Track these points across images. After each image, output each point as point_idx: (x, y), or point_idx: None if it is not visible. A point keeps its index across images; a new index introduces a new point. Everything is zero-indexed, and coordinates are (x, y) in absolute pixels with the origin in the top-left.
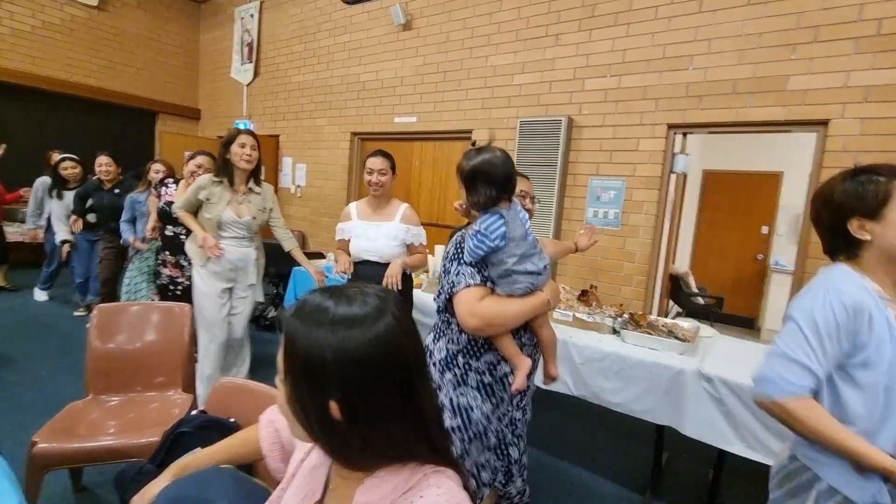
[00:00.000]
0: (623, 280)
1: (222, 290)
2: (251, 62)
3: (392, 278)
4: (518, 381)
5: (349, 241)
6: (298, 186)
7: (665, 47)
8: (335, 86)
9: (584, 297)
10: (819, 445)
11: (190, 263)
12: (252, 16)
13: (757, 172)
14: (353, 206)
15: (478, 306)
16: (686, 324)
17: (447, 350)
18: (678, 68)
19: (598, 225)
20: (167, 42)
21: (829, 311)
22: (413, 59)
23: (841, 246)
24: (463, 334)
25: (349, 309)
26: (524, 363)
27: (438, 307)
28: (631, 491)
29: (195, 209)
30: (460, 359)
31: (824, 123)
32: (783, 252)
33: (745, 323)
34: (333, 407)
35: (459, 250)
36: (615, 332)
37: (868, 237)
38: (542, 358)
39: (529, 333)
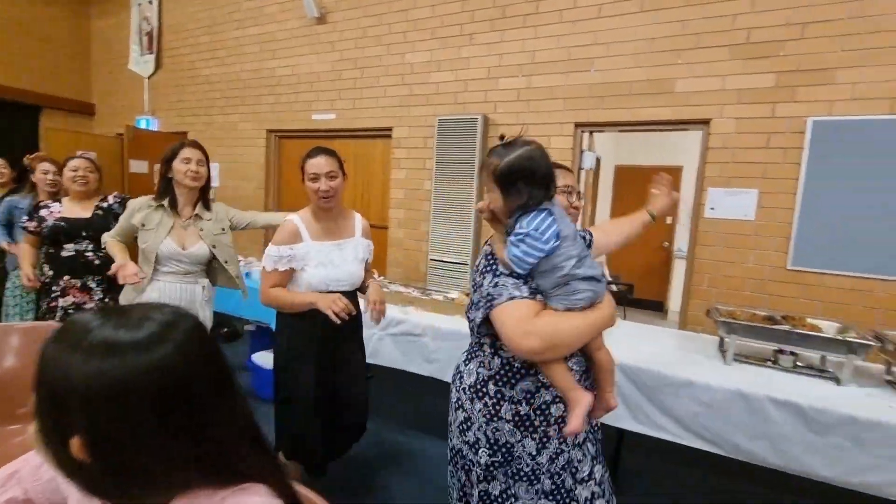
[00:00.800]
0: None
1: None
2: (151, 53)
3: (381, 306)
4: (574, 423)
5: (298, 272)
6: (212, 188)
7: (570, 49)
8: (248, 80)
9: None
10: None
11: (100, 284)
12: (150, 2)
13: (661, 167)
14: (296, 220)
15: (534, 323)
16: None
17: (477, 374)
18: (582, 70)
19: None
20: (51, 28)
21: None
22: (329, 55)
23: None
24: (497, 357)
25: (116, 333)
26: (583, 399)
27: (471, 326)
28: None
29: (131, 238)
30: (491, 386)
31: (706, 122)
32: (683, 239)
33: (655, 306)
34: (75, 444)
35: (492, 260)
36: None
37: None
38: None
39: (578, 357)
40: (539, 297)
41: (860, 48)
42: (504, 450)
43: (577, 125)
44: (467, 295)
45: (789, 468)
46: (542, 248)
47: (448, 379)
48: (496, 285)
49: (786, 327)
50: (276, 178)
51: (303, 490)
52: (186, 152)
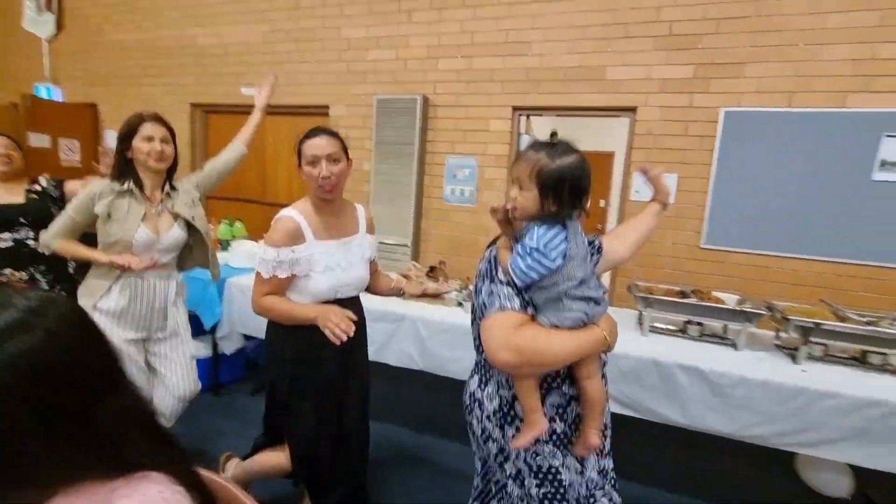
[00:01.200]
0: (480, 254)
1: (128, 340)
2: (51, 12)
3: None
4: (520, 441)
5: (301, 278)
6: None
7: (508, 32)
8: (168, 48)
9: (431, 272)
10: None
11: (47, 274)
12: None
13: (596, 152)
14: (294, 216)
15: (514, 336)
16: None
17: (500, 398)
18: (519, 53)
19: (454, 202)
20: None
21: None
22: (260, 25)
23: None
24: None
25: None
26: (539, 424)
27: (475, 342)
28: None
29: (81, 231)
30: (518, 407)
31: (633, 110)
32: (613, 221)
33: None
34: None
35: (493, 265)
36: (460, 304)
37: None
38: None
39: (567, 383)
40: (530, 309)
41: (766, 45)
42: (551, 477)
43: (515, 109)
44: (405, 276)
45: (693, 426)
46: (546, 266)
47: (386, 360)
48: (490, 293)
49: (693, 300)
50: (202, 157)
51: (214, 477)
52: (147, 129)
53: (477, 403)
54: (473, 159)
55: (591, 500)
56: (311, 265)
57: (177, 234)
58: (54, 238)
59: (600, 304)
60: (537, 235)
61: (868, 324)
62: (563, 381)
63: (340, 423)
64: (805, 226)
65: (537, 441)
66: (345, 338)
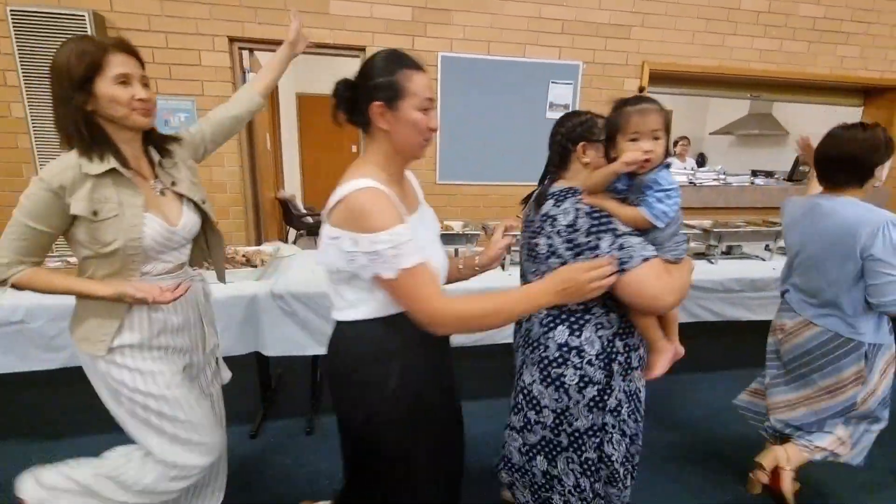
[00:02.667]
0: (219, 214)
1: (182, 370)
2: None
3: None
4: (662, 368)
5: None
6: None
7: None
8: None
9: None
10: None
11: None
12: None
13: None
14: (378, 185)
15: (673, 280)
16: (269, 248)
17: (600, 339)
18: None
19: None
20: None
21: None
22: None
23: None
24: (612, 313)
25: None
26: (669, 347)
27: None
28: (242, 423)
29: (48, 248)
30: (618, 343)
31: (363, 49)
32: None
33: None
34: None
35: (602, 219)
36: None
37: None
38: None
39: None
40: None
41: None
42: (636, 398)
43: (232, 40)
44: None
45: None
46: (678, 202)
47: None
48: (622, 247)
49: None
50: None
51: None
52: (118, 64)
53: (574, 352)
54: (190, 101)
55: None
56: (423, 246)
57: (192, 220)
58: (8, 265)
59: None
60: (667, 178)
61: None
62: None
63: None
64: (507, 158)
65: (631, 369)
66: None
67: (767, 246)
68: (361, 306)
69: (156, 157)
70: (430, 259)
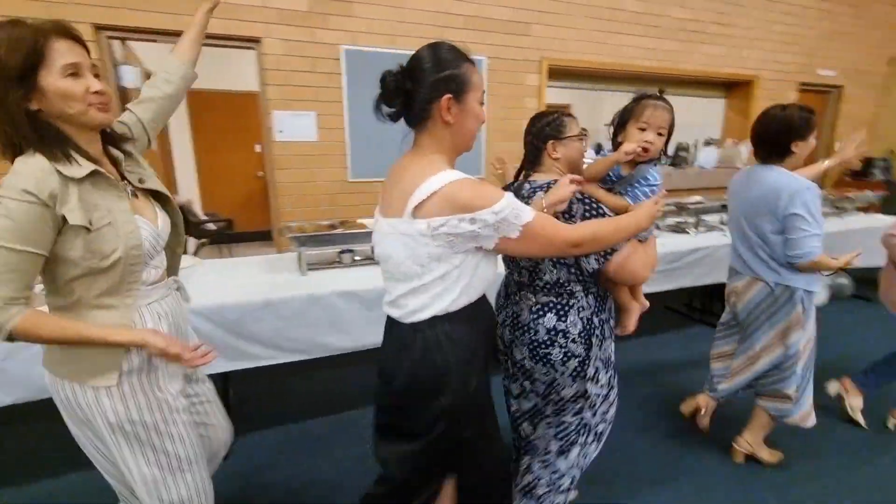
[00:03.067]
0: None
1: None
2: None
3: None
4: (631, 324)
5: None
6: None
7: None
8: None
9: None
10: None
11: None
12: None
13: (240, 92)
14: (461, 174)
15: (647, 257)
16: None
17: (581, 320)
18: None
19: None
20: None
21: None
22: None
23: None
24: (589, 295)
25: None
26: (638, 306)
27: (571, 278)
28: None
29: (35, 275)
30: (595, 319)
31: (258, 41)
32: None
33: (264, 236)
34: None
35: (591, 205)
36: None
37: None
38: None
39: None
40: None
41: None
42: (609, 363)
43: (99, 28)
44: None
45: (358, 347)
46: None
47: None
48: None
49: (340, 231)
50: None
51: None
52: (64, 52)
53: (560, 334)
54: None
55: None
56: None
57: (166, 219)
58: (10, 303)
59: None
60: (656, 175)
61: None
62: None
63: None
64: None
65: (605, 339)
66: None
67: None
68: (432, 307)
69: (119, 155)
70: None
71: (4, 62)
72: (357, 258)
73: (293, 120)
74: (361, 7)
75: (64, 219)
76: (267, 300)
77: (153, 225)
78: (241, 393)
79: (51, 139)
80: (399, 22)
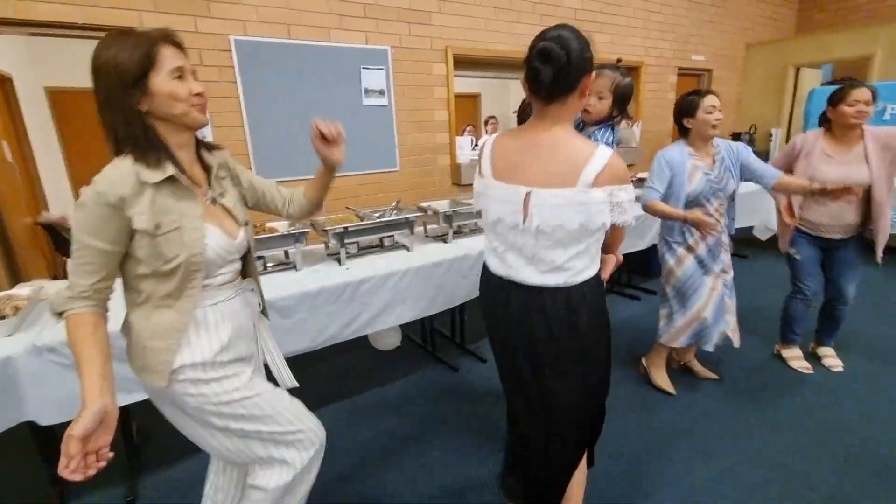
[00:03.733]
0: None
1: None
2: None
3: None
4: (608, 271)
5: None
6: None
7: None
8: None
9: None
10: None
11: None
12: None
13: None
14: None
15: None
16: (25, 290)
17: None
18: None
19: None
20: None
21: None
22: None
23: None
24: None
25: None
26: (613, 259)
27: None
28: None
29: (115, 271)
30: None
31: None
32: None
33: None
34: None
35: None
36: None
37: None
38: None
39: None
40: None
41: None
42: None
43: (3, 23)
44: None
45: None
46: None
47: None
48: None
49: None
50: None
51: None
52: (170, 56)
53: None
54: None
55: None
56: None
57: (244, 236)
58: (70, 299)
59: None
60: (603, 136)
61: (379, 217)
62: None
63: None
64: None
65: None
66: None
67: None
68: (592, 266)
69: (213, 161)
70: None
71: (123, 67)
72: (270, 265)
73: None
74: None
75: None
76: None
77: (227, 236)
78: (146, 428)
79: (150, 141)
80: (291, 10)
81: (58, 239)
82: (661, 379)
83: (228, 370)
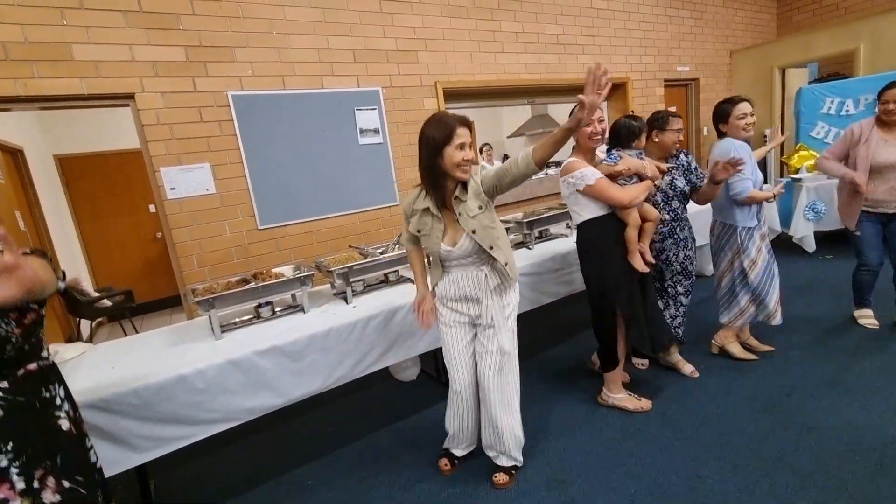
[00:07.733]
0: None
1: (454, 319)
2: None
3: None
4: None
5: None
6: None
7: None
8: None
9: None
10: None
11: None
12: None
13: (117, 151)
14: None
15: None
16: None
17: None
18: None
19: None
20: None
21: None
22: None
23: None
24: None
25: None
26: (637, 249)
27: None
28: None
29: (416, 242)
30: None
31: (131, 97)
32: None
33: (172, 302)
34: None
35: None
36: None
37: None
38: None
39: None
40: None
41: (245, 31)
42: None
43: None
44: None
45: (291, 400)
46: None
47: None
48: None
49: (253, 284)
50: None
51: None
52: (461, 135)
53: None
54: None
55: None
56: None
57: (467, 245)
58: (407, 240)
59: None
60: (611, 159)
61: (382, 254)
62: None
63: None
64: (328, 189)
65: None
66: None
67: (568, 224)
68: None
69: (463, 195)
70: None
71: (437, 140)
72: (278, 309)
73: (184, 175)
74: (242, 52)
75: None
76: (180, 375)
77: (447, 245)
78: (165, 484)
79: (435, 186)
80: (284, 62)
81: (72, 301)
82: (740, 352)
83: (444, 310)
